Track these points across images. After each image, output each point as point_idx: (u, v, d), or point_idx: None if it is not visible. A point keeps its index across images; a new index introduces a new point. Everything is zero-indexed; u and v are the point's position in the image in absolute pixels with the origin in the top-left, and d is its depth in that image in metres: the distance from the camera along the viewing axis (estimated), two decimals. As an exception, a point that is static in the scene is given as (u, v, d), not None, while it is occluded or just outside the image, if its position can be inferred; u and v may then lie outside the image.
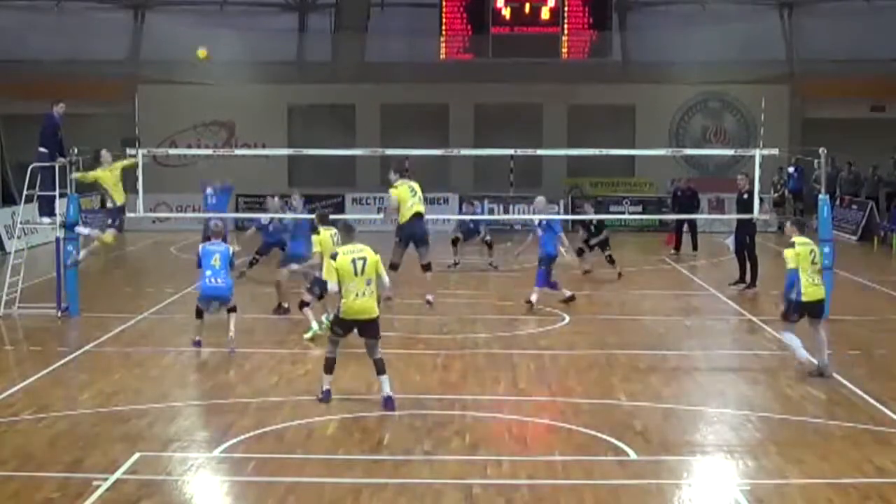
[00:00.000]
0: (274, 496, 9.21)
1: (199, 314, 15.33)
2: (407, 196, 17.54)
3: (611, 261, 22.86)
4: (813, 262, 13.75)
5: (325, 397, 12.22)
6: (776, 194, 33.72)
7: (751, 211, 19.53)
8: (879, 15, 35.72)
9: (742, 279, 21.21)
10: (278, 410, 11.97)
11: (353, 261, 11.93)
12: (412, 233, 17.60)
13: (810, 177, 31.58)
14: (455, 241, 25.01)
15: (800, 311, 13.75)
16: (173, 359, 14.92)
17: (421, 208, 17.65)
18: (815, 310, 13.81)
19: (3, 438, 10.87)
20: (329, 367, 12.27)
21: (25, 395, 12.68)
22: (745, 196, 20.81)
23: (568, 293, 19.05)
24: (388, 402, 11.98)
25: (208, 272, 15.06)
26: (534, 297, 18.56)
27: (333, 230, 14.97)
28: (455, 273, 23.75)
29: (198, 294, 15.52)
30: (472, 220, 25.56)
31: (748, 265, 21.10)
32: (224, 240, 16.26)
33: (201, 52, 19.41)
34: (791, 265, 13.72)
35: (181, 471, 10.02)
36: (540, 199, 20.20)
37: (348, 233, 12.61)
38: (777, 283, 22.13)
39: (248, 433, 11.06)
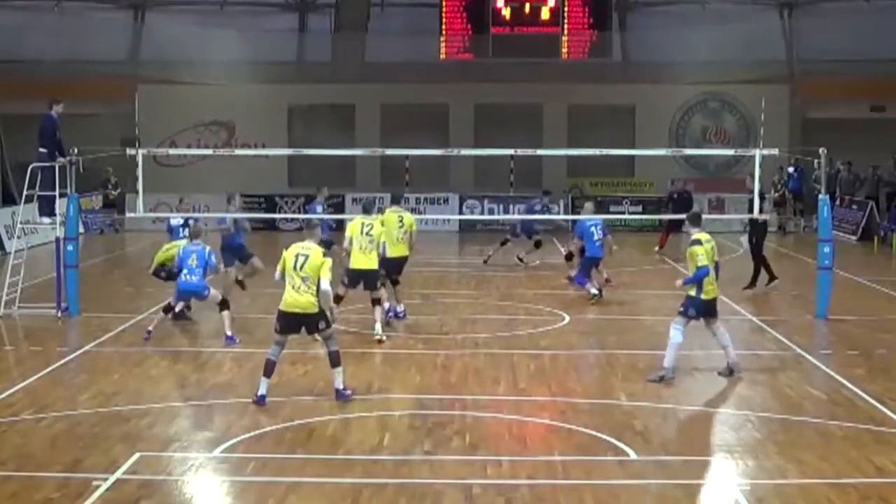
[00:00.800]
0: (274, 496, 9.21)
1: (168, 310, 16.08)
2: (394, 225, 17.02)
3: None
4: (713, 260, 13.62)
5: (260, 401, 12.09)
6: (777, 194, 33.73)
7: (759, 211, 19.62)
8: (879, 15, 35.72)
9: (754, 281, 21.21)
10: (278, 410, 11.96)
11: (297, 255, 12.27)
12: (389, 269, 17.02)
13: (810, 177, 31.61)
14: (504, 242, 24.53)
15: (702, 310, 13.56)
16: (173, 359, 14.92)
17: (405, 249, 17.08)
18: (713, 309, 13.74)
19: (3, 438, 10.86)
20: (267, 369, 12.26)
21: (25, 395, 12.68)
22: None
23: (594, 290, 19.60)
24: (339, 394, 12.33)
25: (184, 270, 15.82)
26: (593, 290, 19.53)
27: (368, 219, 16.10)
28: (455, 273, 23.73)
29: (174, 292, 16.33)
30: (526, 220, 24.78)
31: (754, 264, 21.27)
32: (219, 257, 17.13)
33: None
34: (705, 262, 13.35)
35: (181, 471, 10.02)
36: (588, 205, 21.39)
37: (310, 229, 12.91)
38: (779, 283, 22.25)
39: (248, 433, 11.06)
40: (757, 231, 21.26)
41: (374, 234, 15.98)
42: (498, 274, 23.71)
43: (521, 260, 24.39)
